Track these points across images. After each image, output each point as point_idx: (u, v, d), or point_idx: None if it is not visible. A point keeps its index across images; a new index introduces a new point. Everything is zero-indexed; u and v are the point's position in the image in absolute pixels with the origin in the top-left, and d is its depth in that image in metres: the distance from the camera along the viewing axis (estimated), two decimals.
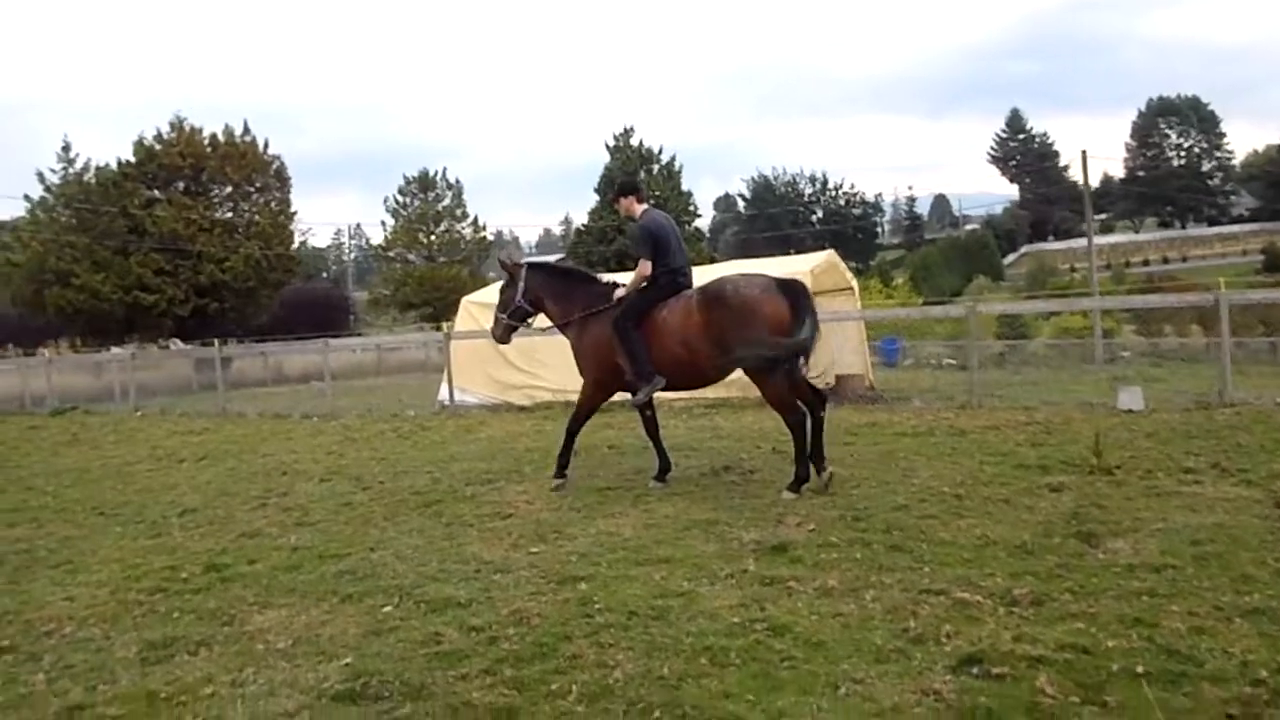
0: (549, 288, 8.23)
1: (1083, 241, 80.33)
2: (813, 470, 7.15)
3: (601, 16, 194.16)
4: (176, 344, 32.80)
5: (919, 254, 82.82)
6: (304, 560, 6.14)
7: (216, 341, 19.68)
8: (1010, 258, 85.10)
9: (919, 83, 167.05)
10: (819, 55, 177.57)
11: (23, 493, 9.82)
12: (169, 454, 12.27)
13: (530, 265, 8.53)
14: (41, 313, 32.64)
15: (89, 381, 26.94)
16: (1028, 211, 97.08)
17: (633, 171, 52.41)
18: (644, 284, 7.61)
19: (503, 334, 8.49)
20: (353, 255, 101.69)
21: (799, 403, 7.17)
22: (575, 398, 8.24)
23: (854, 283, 16.38)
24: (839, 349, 15.62)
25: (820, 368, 13.86)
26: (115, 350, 29.79)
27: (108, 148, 65.40)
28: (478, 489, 8.13)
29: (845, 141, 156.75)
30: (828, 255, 15.49)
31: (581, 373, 8.00)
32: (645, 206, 7.96)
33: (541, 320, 8.53)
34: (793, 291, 7.11)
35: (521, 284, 8.25)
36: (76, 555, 6.76)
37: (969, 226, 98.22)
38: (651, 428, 8.03)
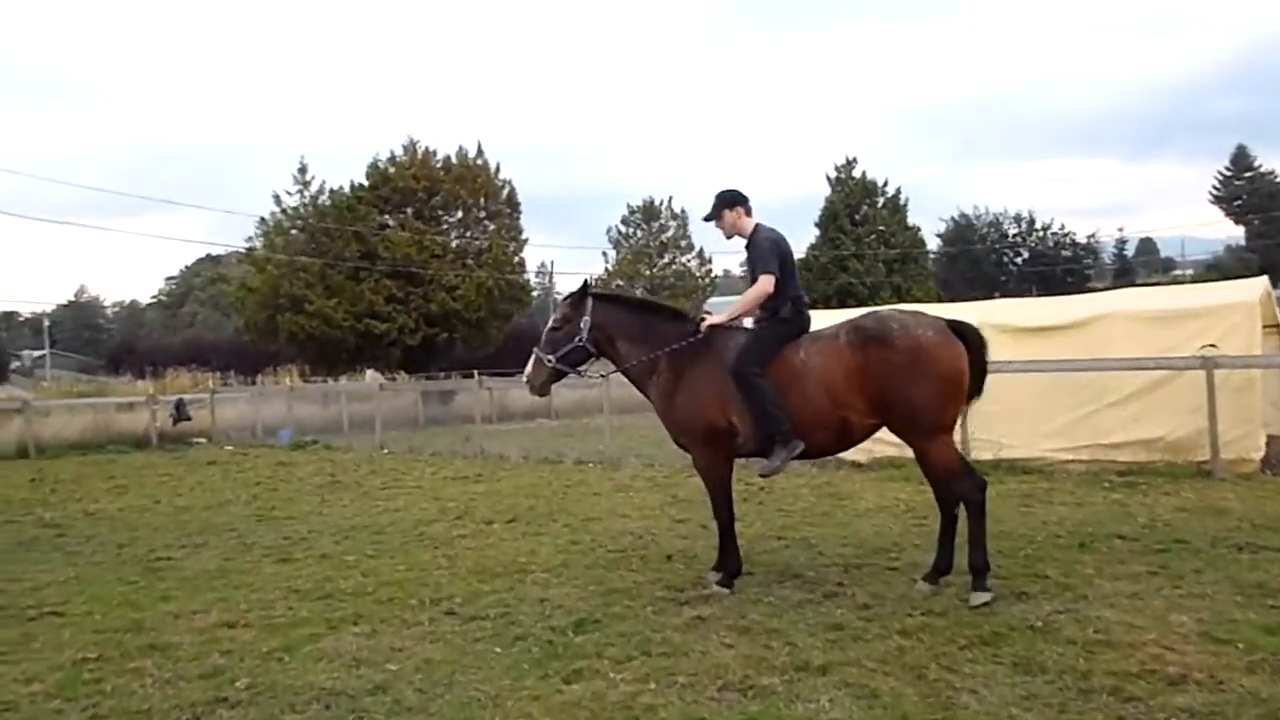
0: (624, 325, 6.50)
1: None
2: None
3: (799, 53, 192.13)
4: (402, 375, 31.51)
5: None
6: None
7: (476, 373, 17.67)
8: None
9: (1117, 122, 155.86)
10: (1011, 96, 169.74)
11: (317, 564, 7.49)
12: (463, 510, 9.93)
13: (597, 296, 6.68)
14: (274, 339, 31.97)
15: (315, 411, 25.91)
16: (1256, 254, 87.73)
17: (856, 205, 48.96)
18: (760, 311, 6.16)
19: (544, 384, 6.70)
20: (537, 293, 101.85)
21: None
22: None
23: None
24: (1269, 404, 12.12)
25: (1249, 424, 10.52)
26: (345, 380, 28.60)
27: (341, 173, 66.27)
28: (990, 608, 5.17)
29: (1038, 183, 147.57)
30: (1264, 282, 11.98)
31: (677, 434, 6.38)
32: (756, 221, 6.41)
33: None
34: (965, 337, 5.83)
35: (586, 318, 6.45)
36: (469, 712, 4.16)
37: (1177, 271, 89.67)
38: None
